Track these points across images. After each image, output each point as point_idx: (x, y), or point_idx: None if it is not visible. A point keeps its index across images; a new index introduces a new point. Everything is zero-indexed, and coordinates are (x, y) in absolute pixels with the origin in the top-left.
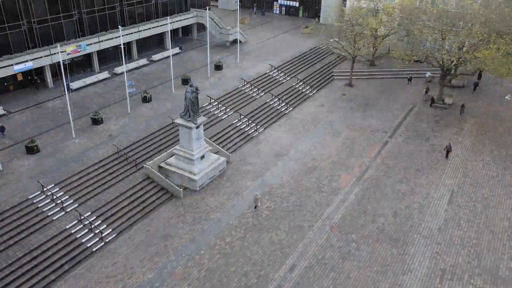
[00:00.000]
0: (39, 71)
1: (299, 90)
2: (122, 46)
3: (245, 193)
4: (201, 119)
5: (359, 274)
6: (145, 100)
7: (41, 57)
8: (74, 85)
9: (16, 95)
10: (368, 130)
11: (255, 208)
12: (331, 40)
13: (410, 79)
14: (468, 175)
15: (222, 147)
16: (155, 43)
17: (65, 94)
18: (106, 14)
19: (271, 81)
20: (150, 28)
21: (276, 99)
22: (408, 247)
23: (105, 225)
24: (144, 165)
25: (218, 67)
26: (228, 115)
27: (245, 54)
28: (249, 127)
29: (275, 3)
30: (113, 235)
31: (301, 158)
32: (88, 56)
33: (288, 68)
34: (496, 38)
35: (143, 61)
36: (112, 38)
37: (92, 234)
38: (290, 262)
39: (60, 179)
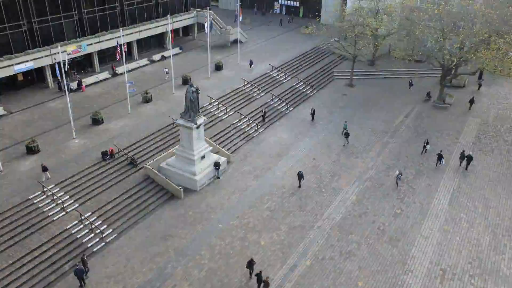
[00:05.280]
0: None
1: (300, 90)
2: (120, 46)
3: (246, 193)
4: (201, 119)
5: (360, 274)
6: (146, 100)
7: (42, 57)
8: (75, 85)
9: (17, 95)
10: (369, 130)
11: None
12: (332, 40)
13: (411, 84)
14: (469, 175)
15: (223, 147)
16: (155, 43)
17: (65, 94)
18: (106, 14)
19: (272, 81)
20: (150, 28)
21: (277, 99)
22: (409, 247)
23: (105, 225)
24: (145, 165)
25: (218, 67)
26: (229, 115)
27: (245, 54)
28: (249, 127)
29: (275, 3)
30: (114, 235)
31: (302, 158)
32: (89, 56)
33: (288, 68)
34: (496, 38)
35: (144, 61)
36: (113, 38)
37: (92, 234)
38: (291, 262)
39: (61, 179)
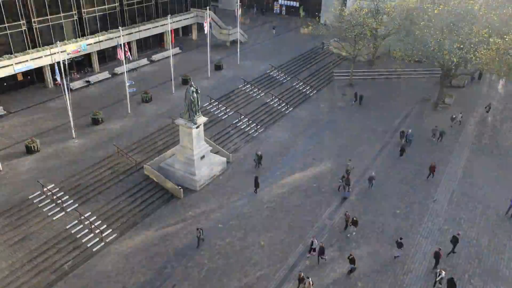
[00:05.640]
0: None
1: (299, 90)
2: (121, 45)
3: (245, 193)
4: (201, 119)
5: (359, 274)
6: (145, 100)
7: (41, 57)
8: (74, 85)
9: (16, 95)
10: (368, 130)
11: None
12: (331, 41)
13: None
14: (468, 175)
15: (223, 147)
16: (155, 43)
17: (65, 94)
18: (106, 14)
19: (271, 81)
20: (150, 28)
21: (276, 99)
22: (408, 247)
23: (105, 225)
24: (144, 165)
25: (218, 67)
26: (228, 115)
27: (245, 54)
28: (249, 127)
29: (275, 3)
30: (113, 235)
31: (301, 158)
32: (89, 56)
33: (288, 68)
34: (496, 39)
35: (143, 61)
36: (112, 38)
37: (92, 234)
38: (290, 262)
39: (60, 179)
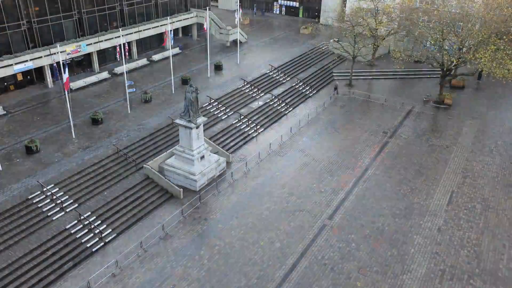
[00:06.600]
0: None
1: (299, 90)
2: (120, 46)
3: (245, 193)
4: (201, 119)
5: (359, 274)
6: (145, 100)
7: (41, 57)
8: (74, 85)
9: (16, 95)
10: (368, 130)
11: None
12: (331, 41)
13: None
14: (468, 175)
15: (222, 147)
16: (155, 43)
17: (64, 94)
18: (106, 14)
19: (271, 82)
20: (150, 28)
21: (276, 99)
22: (408, 248)
23: (105, 225)
24: (144, 165)
25: (218, 67)
26: (228, 115)
27: (245, 54)
28: (249, 128)
29: (275, 3)
30: (113, 235)
31: (301, 158)
32: (88, 56)
33: (288, 69)
34: (495, 39)
35: (143, 61)
36: (112, 38)
37: (92, 234)
38: (290, 262)
39: (60, 179)
